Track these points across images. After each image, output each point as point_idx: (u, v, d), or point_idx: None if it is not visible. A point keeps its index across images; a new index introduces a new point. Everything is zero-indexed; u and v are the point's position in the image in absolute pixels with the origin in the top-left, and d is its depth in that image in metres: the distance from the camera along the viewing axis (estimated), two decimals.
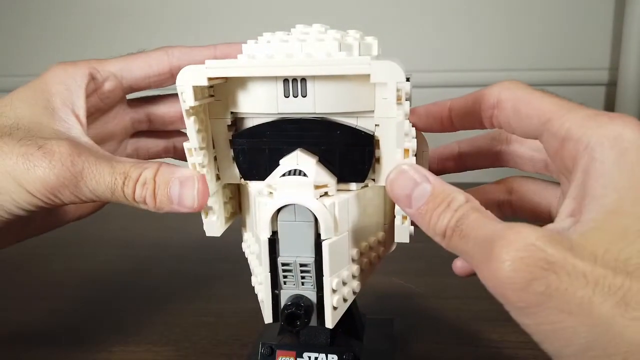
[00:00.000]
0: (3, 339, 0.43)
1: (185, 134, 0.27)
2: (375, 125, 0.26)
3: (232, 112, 0.28)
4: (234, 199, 0.31)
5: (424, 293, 0.50)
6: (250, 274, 0.30)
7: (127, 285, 0.54)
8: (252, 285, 0.30)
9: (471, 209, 0.21)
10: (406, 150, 0.25)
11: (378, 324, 0.37)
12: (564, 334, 0.18)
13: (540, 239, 0.18)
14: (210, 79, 0.25)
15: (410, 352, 0.38)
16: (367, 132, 0.26)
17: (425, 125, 0.29)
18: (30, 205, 0.27)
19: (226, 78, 0.27)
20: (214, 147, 0.29)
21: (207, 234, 0.29)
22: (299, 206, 0.25)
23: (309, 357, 0.30)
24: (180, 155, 0.36)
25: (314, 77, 0.25)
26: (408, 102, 0.25)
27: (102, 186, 0.26)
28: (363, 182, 0.27)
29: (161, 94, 0.36)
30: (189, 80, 0.25)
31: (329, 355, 0.30)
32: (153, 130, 0.37)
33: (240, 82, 0.27)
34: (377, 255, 0.29)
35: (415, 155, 0.26)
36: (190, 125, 0.26)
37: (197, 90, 0.26)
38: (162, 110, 0.36)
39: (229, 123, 0.28)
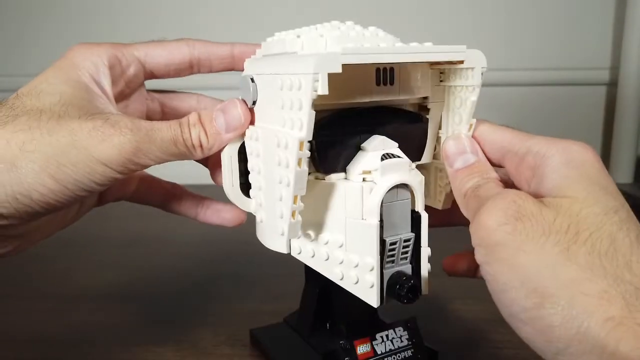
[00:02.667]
0: (4, 339, 0.43)
1: None
2: (427, 108, 0.31)
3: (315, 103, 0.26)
4: None
5: (425, 294, 0.50)
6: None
7: (127, 285, 0.54)
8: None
9: (493, 181, 0.27)
10: (470, 125, 0.29)
11: None
12: (515, 267, 0.22)
13: (521, 198, 0.24)
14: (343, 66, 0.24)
15: None
16: (424, 116, 0.31)
17: None
18: (104, 177, 0.28)
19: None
20: None
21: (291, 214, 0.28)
22: (400, 186, 0.28)
23: (381, 337, 0.33)
24: None
25: (399, 67, 0.29)
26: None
27: (167, 140, 0.28)
28: (419, 160, 0.31)
29: (174, 90, 0.37)
30: (325, 68, 0.24)
31: (397, 329, 0.32)
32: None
33: (339, 75, 0.25)
34: None
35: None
36: (311, 117, 0.24)
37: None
38: (175, 103, 0.37)
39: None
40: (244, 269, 0.56)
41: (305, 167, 0.26)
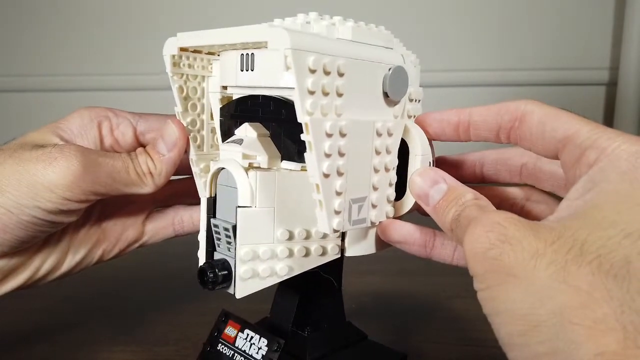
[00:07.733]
0: (3, 339, 0.43)
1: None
2: None
3: (222, 87, 0.31)
4: None
5: (424, 293, 0.50)
6: None
7: (127, 285, 0.54)
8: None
9: (474, 204, 0.24)
10: (306, 125, 0.24)
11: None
12: (505, 293, 0.20)
13: (506, 220, 0.21)
14: (182, 49, 0.29)
15: (410, 352, 0.38)
16: None
17: (437, 130, 0.29)
18: (50, 202, 0.28)
19: (218, 53, 0.30)
20: (212, 119, 0.32)
21: (200, 195, 0.31)
22: (228, 171, 0.27)
23: (247, 334, 0.32)
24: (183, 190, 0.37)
25: (261, 52, 0.26)
26: (293, 70, 0.23)
27: (118, 166, 0.30)
28: (299, 162, 0.27)
29: None
30: (168, 51, 0.29)
31: (262, 338, 0.31)
32: None
33: (222, 58, 0.30)
34: (321, 247, 0.28)
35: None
36: (174, 91, 0.30)
37: (175, 61, 0.30)
38: None
39: (220, 97, 0.31)
40: None
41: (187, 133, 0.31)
